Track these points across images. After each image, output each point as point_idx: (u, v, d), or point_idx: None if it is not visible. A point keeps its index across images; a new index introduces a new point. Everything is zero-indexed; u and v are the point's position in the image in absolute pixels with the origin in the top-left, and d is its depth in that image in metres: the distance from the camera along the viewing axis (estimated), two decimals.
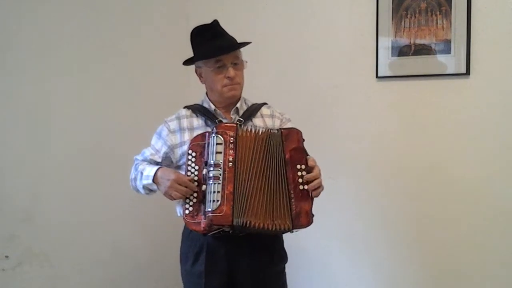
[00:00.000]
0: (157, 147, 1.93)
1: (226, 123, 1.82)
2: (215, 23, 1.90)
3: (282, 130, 1.78)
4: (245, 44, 1.88)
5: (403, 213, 2.45)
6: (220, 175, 1.68)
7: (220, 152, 1.70)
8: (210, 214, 1.67)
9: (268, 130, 1.79)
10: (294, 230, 1.74)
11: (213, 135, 1.73)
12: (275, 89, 2.78)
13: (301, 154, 1.75)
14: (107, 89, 2.65)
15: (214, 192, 1.68)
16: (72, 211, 2.49)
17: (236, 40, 1.89)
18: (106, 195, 2.63)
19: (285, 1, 2.75)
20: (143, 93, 2.83)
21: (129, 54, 2.76)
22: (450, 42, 2.26)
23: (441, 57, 2.30)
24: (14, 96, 2.28)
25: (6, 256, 2.26)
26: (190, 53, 1.93)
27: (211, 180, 1.69)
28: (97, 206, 2.59)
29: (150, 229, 2.86)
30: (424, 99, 2.37)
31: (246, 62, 1.91)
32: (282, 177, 1.72)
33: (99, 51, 2.60)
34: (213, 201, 1.67)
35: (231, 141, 1.71)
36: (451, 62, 2.27)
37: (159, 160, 1.92)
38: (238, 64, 1.86)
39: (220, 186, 1.68)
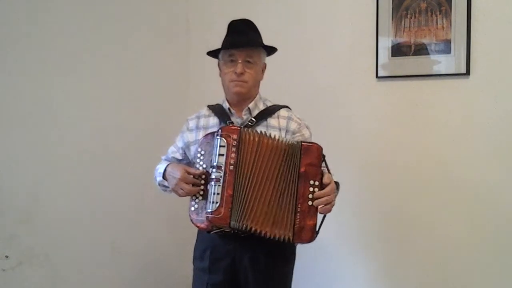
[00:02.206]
0: (178, 144, 1.99)
1: (231, 125, 1.82)
2: (245, 20, 1.93)
3: (303, 143, 1.74)
4: (264, 45, 1.90)
5: (403, 212, 2.44)
6: (221, 177, 1.69)
7: (223, 155, 1.71)
8: (209, 215, 1.69)
9: (286, 139, 1.77)
10: (296, 243, 1.74)
11: (217, 137, 1.73)
12: (274, 89, 2.76)
13: (317, 170, 1.72)
14: (107, 89, 2.65)
15: (214, 193, 1.69)
16: (72, 211, 2.49)
17: (257, 41, 1.90)
18: (106, 195, 2.62)
19: (285, 2, 2.75)
20: (143, 93, 2.82)
21: (129, 54, 2.76)
22: (450, 42, 2.26)
23: (441, 57, 2.30)
24: (14, 96, 2.28)
25: (6, 256, 2.26)
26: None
27: (213, 182, 1.71)
28: (97, 206, 2.59)
29: (150, 229, 2.86)
30: (424, 99, 2.37)
31: (265, 64, 1.94)
32: (293, 189, 1.70)
33: (99, 51, 2.60)
34: (213, 202, 1.69)
35: (234, 144, 1.71)
36: (451, 62, 2.27)
37: (180, 157, 1.97)
38: (251, 63, 1.87)
39: (220, 188, 1.69)
